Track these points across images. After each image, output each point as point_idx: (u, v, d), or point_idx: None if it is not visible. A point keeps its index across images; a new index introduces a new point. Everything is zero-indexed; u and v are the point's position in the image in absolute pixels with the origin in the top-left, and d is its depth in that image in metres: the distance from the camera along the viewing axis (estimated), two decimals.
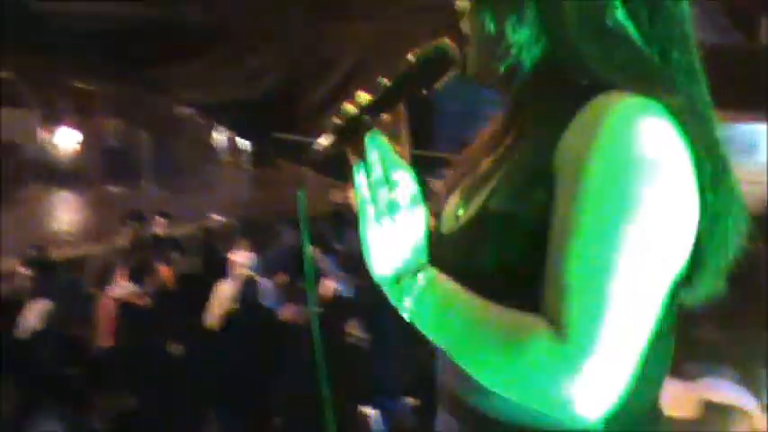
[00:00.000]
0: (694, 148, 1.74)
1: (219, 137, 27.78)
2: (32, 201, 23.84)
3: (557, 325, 1.65)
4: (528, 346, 1.67)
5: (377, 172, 1.87)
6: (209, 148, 28.99)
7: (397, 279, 1.89)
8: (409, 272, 1.88)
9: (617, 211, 1.67)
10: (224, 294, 10.04)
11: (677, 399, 6.44)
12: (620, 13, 1.88)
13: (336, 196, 18.13)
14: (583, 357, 1.62)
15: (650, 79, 1.83)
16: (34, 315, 9.92)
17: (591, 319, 1.64)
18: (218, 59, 10.88)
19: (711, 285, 1.93)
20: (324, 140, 1.92)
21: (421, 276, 1.87)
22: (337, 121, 1.91)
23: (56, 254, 13.04)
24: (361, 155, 1.89)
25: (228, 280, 10.54)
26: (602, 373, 1.63)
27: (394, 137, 1.95)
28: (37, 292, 10.26)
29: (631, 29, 1.89)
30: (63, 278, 11.24)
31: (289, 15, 10.73)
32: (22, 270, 10.62)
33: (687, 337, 1.87)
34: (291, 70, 11.01)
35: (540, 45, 1.91)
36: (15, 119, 25.25)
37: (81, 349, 9.37)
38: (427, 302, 1.85)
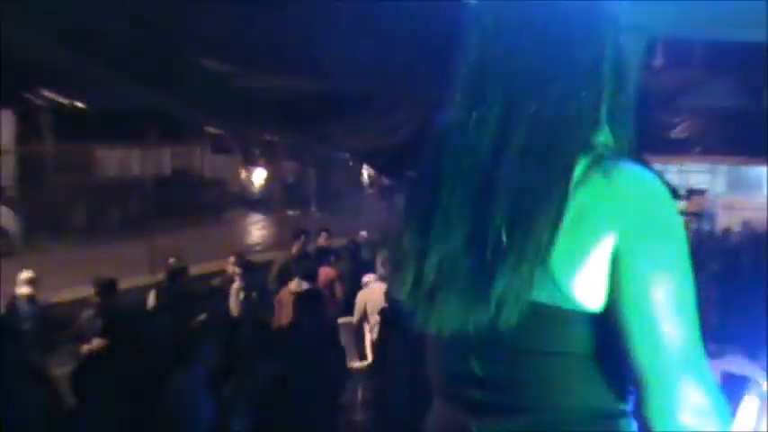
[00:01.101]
0: None
1: (366, 174, 27.86)
2: (235, 220, 24.21)
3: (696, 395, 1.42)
4: None
5: None
6: (358, 182, 29.10)
7: None
8: None
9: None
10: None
11: None
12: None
13: None
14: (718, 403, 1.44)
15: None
16: (238, 301, 10.14)
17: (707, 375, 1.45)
18: (366, 117, 10.93)
19: None
20: None
21: None
22: None
23: (252, 258, 13.21)
24: None
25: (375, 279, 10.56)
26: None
27: None
28: (241, 286, 10.45)
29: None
30: (257, 276, 11.39)
31: (419, 80, 10.75)
32: (235, 269, 10.77)
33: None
34: (421, 123, 11.02)
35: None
36: (224, 162, 25.72)
37: (267, 328, 9.45)
38: None
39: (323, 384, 7.87)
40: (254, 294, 10.39)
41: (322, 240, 13.49)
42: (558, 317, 1.47)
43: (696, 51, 12.63)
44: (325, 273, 11.88)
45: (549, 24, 1.53)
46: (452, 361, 1.59)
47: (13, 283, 10.37)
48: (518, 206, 1.44)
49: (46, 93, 20.09)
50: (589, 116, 1.53)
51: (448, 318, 1.50)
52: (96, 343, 8.04)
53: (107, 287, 9.34)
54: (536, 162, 1.46)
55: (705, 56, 12.61)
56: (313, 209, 21.69)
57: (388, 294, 9.55)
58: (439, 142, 1.61)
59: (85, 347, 8.18)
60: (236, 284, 10.53)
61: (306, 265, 11.35)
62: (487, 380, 1.54)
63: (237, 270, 10.74)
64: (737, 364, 6.31)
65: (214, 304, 9.46)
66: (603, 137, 1.57)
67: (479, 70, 1.55)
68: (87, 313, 9.13)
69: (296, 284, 10.22)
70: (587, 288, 1.45)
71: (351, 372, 10.39)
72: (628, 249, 1.43)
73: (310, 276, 10.82)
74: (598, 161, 1.49)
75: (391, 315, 8.85)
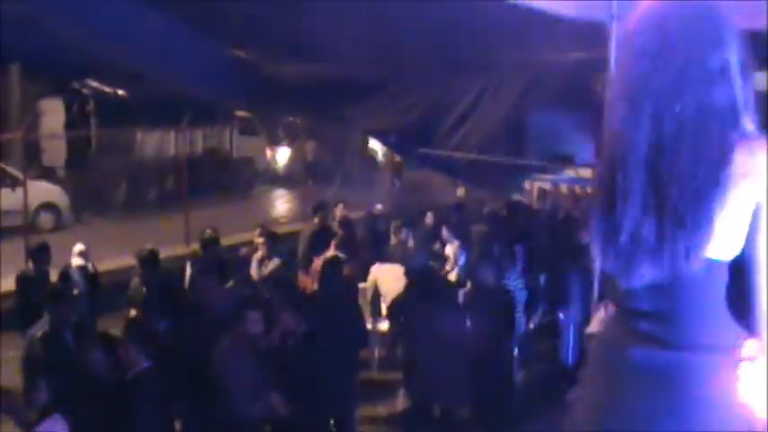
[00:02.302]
0: None
1: (381, 151, 27.80)
2: (261, 195, 24.21)
3: None
4: None
5: None
6: (374, 160, 29.04)
7: None
8: None
9: None
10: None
11: None
12: None
13: (459, 192, 18.03)
14: None
15: None
16: (268, 268, 10.16)
17: None
18: (381, 100, 10.91)
19: None
20: None
21: None
22: None
23: (277, 230, 13.21)
24: None
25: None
26: None
27: None
28: (265, 254, 10.46)
29: None
30: (282, 246, 11.40)
31: (428, 70, 10.71)
32: (259, 239, 10.77)
33: None
34: (430, 107, 10.98)
35: None
36: (251, 143, 25.70)
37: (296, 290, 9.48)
38: None
39: (344, 342, 7.91)
40: (276, 261, 10.41)
41: (339, 211, 13.46)
42: (719, 268, 1.77)
43: None
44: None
45: (682, 38, 1.79)
46: (630, 299, 1.86)
47: (66, 254, 10.43)
48: (687, 185, 1.72)
49: (91, 83, 20.18)
50: (727, 109, 1.78)
51: (642, 274, 1.78)
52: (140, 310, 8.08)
53: (149, 258, 9.37)
54: (692, 149, 1.74)
55: None
56: (330, 183, 21.67)
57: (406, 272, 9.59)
58: (611, 140, 1.86)
59: (133, 312, 8.22)
60: (259, 253, 10.54)
61: (327, 236, 11.38)
62: (654, 315, 1.81)
63: (261, 240, 10.75)
64: None
65: (241, 271, 9.45)
66: (745, 122, 1.81)
67: (633, 81, 1.82)
68: (134, 282, 9.18)
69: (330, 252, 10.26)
70: (736, 243, 1.76)
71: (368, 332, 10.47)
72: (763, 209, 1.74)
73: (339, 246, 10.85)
74: (744, 141, 1.76)
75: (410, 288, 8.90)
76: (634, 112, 1.79)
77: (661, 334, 1.80)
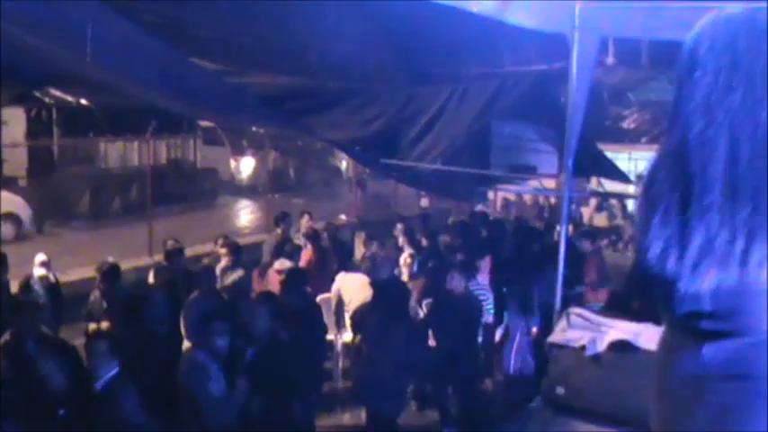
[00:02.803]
0: None
1: (344, 162, 27.84)
2: (225, 206, 24.11)
3: None
4: None
5: None
6: (337, 170, 29.08)
7: None
8: None
9: None
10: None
11: (652, 335, 6.31)
12: None
13: (423, 202, 18.12)
14: None
15: None
16: (231, 279, 10.10)
17: None
18: (344, 111, 10.90)
19: None
20: None
21: None
22: None
23: (240, 241, 13.17)
24: None
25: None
26: None
27: None
28: (227, 265, 10.42)
29: None
30: (245, 256, 11.35)
31: (391, 82, 10.73)
32: (222, 250, 10.74)
33: None
34: (393, 118, 11.00)
35: None
36: (215, 153, 25.65)
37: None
38: None
39: (307, 353, 7.90)
40: (238, 272, 10.36)
41: (305, 222, 13.46)
42: None
43: (643, 50, 12.67)
44: (307, 253, 11.91)
45: (754, 50, 1.84)
46: (689, 303, 1.88)
47: (27, 264, 10.31)
48: (763, 199, 1.78)
49: (54, 92, 19.96)
50: None
51: (710, 278, 1.81)
52: (103, 323, 8.00)
53: (110, 272, 9.30)
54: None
55: (651, 55, 12.65)
56: (293, 194, 21.62)
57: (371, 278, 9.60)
58: (681, 151, 1.90)
59: (92, 326, 8.14)
60: (222, 264, 10.49)
61: (289, 247, 11.35)
62: (719, 314, 1.83)
63: (223, 250, 10.71)
64: None
65: (205, 282, 9.39)
66: None
67: (706, 95, 1.86)
68: (94, 295, 9.09)
69: (280, 264, 10.24)
70: None
71: (330, 343, 10.45)
72: None
73: (293, 256, 10.84)
74: None
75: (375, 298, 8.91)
76: (712, 126, 1.86)
77: (729, 328, 1.84)
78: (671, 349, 2.01)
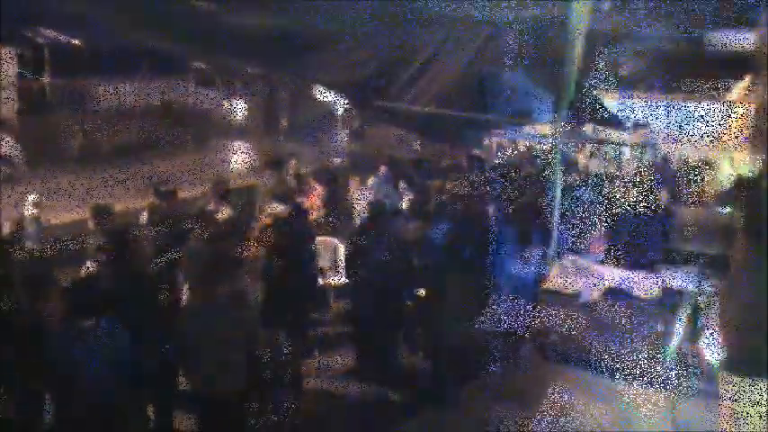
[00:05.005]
0: None
1: (339, 105, 27.64)
2: (218, 148, 23.99)
3: None
4: None
5: None
6: (332, 113, 28.93)
7: None
8: None
9: None
10: None
11: (643, 284, 6.31)
12: None
13: (417, 145, 18.01)
14: None
15: None
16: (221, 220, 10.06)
17: None
18: (338, 54, 10.80)
19: None
20: None
21: None
22: None
23: (233, 183, 13.09)
24: None
25: None
26: None
27: None
28: (218, 209, 10.37)
29: None
30: (239, 198, 11.30)
31: (385, 24, 10.62)
32: (213, 193, 10.69)
33: None
34: (387, 60, 10.91)
35: None
36: (208, 94, 25.50)
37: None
38: None
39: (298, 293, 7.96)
40: (232, 216, 10.30)
41: (292, 166, 13.39)
42: None
43: None
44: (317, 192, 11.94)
45: None
46: None
47: (19, 205, 10.24)
48: None
49: (45, 31, 19.67)
50: None
51: None
52: (92, 266, 7.93)
53: (102, 213, 9.21)
54: None
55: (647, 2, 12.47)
56: (286, 137, 21.48)
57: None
58: None
59: (83, 269, 8.08)
60: (213, 207, 10.44)
61: (281, 190, 11.30)
62: None
63: (215, 194, 10.65)
64: (675, 278, 6.35)
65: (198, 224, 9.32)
66: None
67: None
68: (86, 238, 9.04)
69: (271, 208, 10.21)
70: None
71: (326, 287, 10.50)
72: None
73: (285, 199, 10.80)
74: None
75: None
76: None
77: None
78: None
